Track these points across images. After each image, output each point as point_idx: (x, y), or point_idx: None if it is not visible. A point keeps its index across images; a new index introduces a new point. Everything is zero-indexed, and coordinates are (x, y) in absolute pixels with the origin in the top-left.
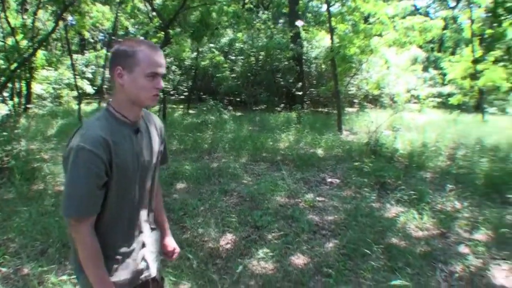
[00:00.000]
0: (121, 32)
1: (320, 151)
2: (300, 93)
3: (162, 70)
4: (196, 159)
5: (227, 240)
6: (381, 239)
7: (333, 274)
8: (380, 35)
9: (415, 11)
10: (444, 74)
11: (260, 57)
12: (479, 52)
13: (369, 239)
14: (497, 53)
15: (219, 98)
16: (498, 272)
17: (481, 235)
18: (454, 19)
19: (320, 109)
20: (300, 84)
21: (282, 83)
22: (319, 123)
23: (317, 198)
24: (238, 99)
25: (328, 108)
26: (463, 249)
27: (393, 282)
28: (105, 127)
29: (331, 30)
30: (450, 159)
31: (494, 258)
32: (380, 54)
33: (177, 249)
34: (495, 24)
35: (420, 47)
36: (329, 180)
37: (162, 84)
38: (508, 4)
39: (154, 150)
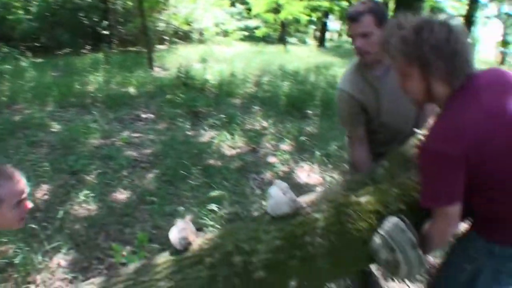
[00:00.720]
0: None
1: (132, 89)
2: (107, 32)
3: None
4: None
5: (43, 191)
6: (198, 162)
7: (156, 200)
8: None
9: None
10: (250, 9)
11: None
12: None
13: (187, 163)
14: None
15: (15, 44)
16: (301, 173)
17: (285, 146)
18: None
19: (129, 48)
20: (106, 22)
21: (86, 22)
22: (130, 62)
23: (133, 135)
24: (38, 44)
25: (138, 46)
26: (271, 159)
27: (211, 194)
28: None
29: None
30: (256, 85)
31: (297, 162)
32: None
33: None
34: None
35: None
36: (143, 116)
37: None
38: None
39: None
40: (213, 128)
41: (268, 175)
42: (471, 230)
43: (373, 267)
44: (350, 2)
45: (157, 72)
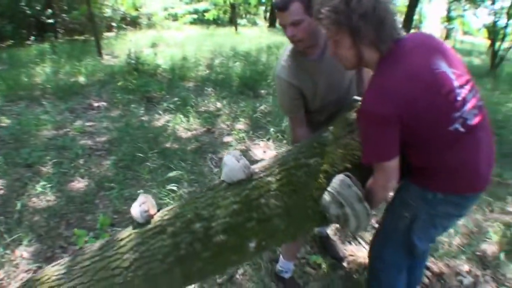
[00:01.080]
0: None
1: (82, 79)
2: (52, 21)
3: None
4: None
5: None
6: (154, 146)
7: (115, 186)
8: None
9: None
10: None
11: None
12: None
13: (143, 148)
14: None
15: None
16: (257, 150)
17: (241, 125)
18: None
19: (76, 37)
20: (50, 11)
21: (28, 12)
22: (77, 51)
23: (87, 124)
24: None
25: (85, 35)
26: (227, 139)
27: (169, 174)
28: None
29: None
30: (209, 68)
31: (253, 140)
32: None
33: None
34: None
35: None
36: (96, 104)
37: None
38: None
39: None
40: (168, 112)
41: (225, 154)
42: (406, 180)
43: (330, 232)
44: None
45: (107, 59)
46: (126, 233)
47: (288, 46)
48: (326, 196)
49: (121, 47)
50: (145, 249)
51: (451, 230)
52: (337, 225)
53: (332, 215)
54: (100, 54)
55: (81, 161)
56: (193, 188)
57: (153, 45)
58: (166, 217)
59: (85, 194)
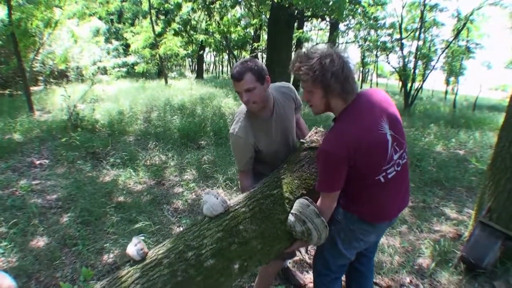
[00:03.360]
0: None
1: (17, 136)
2: None
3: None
4: None
5: None
6: (109, 200)
7: (78, 242)
8: (60, 7)
9: None
10: (127, 45)
11: None
12: (160, 25)
13: (99, 203)
14: (175, 25)
15: None
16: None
17: (189, 176)
18: None
19: (0, 92)
20: None
21: None
22: (6, 107)
23: (33, 182)
24: None
25: (11, 89)
26: (178, 189)
27: (135, 226)
28: None
29: (9, 0)
30: (147, 121)
31: (203, 189)
32: (66, 26)
33: None
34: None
35: (100, 18)
36: (38, 162)
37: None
38: None
39: None
40: (115, 167)
41: (179, 203)
42: (338, 206)
43: (289, 263)
44: (226, 37)
45: (39, 115)
46: (125, 271)
47: (241, 109)
48: (291, 217)
49: (52, 102)
50: (145, 281)
51: (391, 250)
52: (302, 240)
53: (297, 232)
54: (31, 109)
55: (37, 220)
56: (157, 237)
57: (87, 100)
58: (160, 252)
59: (49, 252)
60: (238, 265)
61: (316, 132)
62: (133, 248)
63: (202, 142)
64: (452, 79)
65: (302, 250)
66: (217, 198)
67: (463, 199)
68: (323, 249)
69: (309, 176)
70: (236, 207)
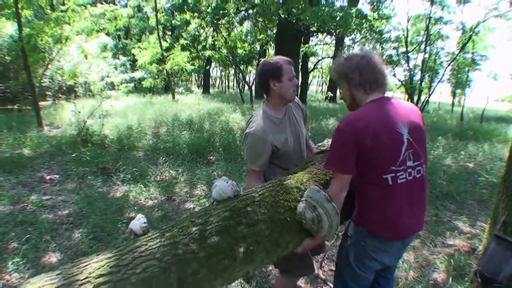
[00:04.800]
0: None
1: (27, 151)
2: None
3: None
4: None
5: None
6: (121, 216)
7: None
8: (69, 23)
9: None
10: (134, 60)
11: None
12: (168, 40)
13: (110, 219)
14: (183, 41)
15: None
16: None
17: (199, 191)
18: (139, 8)
19: (10, 106)
20: None
21: None
22: (16, 122)
23: (44, 197)
24: None
25: (20, 104)
26: (189, 205)
27: None
28: None
29: (19, 17)
30: (155, 136)
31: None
32: (75, 42)
33: None
34: (178, 15)
35: (108, 34)
36: (48, 177)
37: None
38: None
39: None
40: (126, 182)
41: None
42: (350, 221)
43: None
44: (233, 52)
45: (48, 130)
46: (124, 243)
47: (256, 112)
48: (301, 204)
49: (61, 117)
50: (144, 249)
51: (406, 265)
52: (314, 232)
53: (308, 219)
54: (40, 124)
55: (48, 236)
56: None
57: (96, 116)
58: (163, 227)
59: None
60: (243, 248)
61: (327, 142)
62: (136, 222)
63: (212, 157)
64: (458, 91)
65: (316, 265)
66: (227, 182)
67: (475, 213)
68: (340, 269)
69: (320, 171)
70: (246, 192)
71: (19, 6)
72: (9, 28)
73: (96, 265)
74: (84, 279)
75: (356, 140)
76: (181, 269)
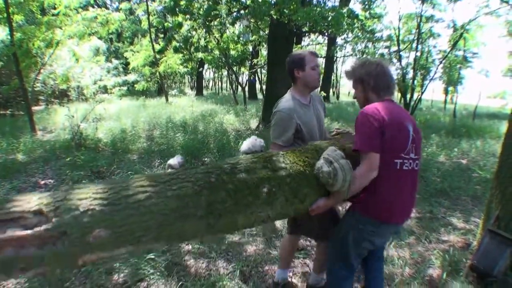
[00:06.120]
0: None
1: (21, 156)
2: None
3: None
4: None
5: None
6: None
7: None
8: (60, 27)
9: (93, 2)
10: (127, 63)
11: None
12: (161, 43)
13: None
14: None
15: None
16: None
17: None
18: (131, 10)
19: (2, 112)
20: None
21: None
22: (8, 127)
23: None
24: None
25: (12, 109)
26: None
27: None
28: None
29: (10, 22)
30: (150, 139)
31: None
32: (67, 46)
33: None
34: (170, 17)
35: (100, 38)
36: (43, 182)
37: None
38: (182, 3)
39: None
40: None
41: None
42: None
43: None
44: (225, 53)
45: (41, 135)
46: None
47: (285, 96)
48: (320, 160)
49: (54, 121)
50: (181, 173)
51: (401, 262)
52: (329, 186)
53: (324, 173)
54: (33, 129)
55: None
56: (167, 256)
57: (89, 119)
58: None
59: (59, 273)
60: (267, 189)
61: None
62: (175, 159)
63: (206, 159)
64: (450, 88)
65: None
66: (256, 140)
67: (469, 208)
68: (334, 249)
69: (338, 142)
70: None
71: (10, 10)
72: (0, 33)
73: (138, 181)
74: (126, 186)
75: (379, 122)
76: (211, 194)
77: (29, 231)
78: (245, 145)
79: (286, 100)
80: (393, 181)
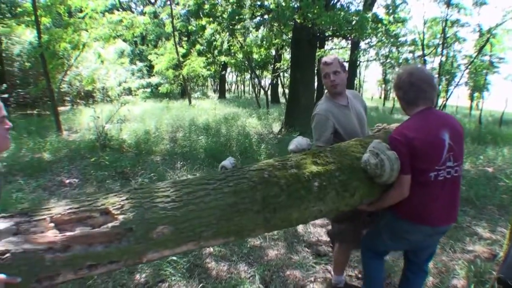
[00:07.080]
0: None
1: (47, 155)
2: (5, 95)
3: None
4: None
5: None
6: None
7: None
8: (86, 30)
9: (119, 6)
10: (150, 66)
11: None
12: (184, 46)
13: None
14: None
15: None
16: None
17: None
18: (155, 14)
19: (29, 112)
20: (4, 85)
21: None
22: (35, 126)
23: (63, 201)
24: None
25: (39, 109)
26: None
27: None
28: None
29: (38, 24)
30: (173, 141)
31: None
32: (92, 48)
33: None
34: (194, 20)
35: (125, 40)
36: (67, 181)
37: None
38: (206, 7)
39: None
40: None
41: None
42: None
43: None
44: (248, 57)
45: (67, 135)
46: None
47: (322, 99)
48: (366, 153)
49: (79, 121)
50: (236, 171)
51: None
52: (377, 178)
53: (372, 165)
54: (59, 129)
55: None
56: (189, 258)
57: (114, 121)
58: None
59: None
60: (318, 183)
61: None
62: (227, 160)
63: None
64: (476, 94)
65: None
66: (303, 139)
67: (495, 218)
68: (368, 237)
69: (381, 139)
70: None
71: (38, 13)
72: (28, 35)
73: (196, 179)
74: (186, 184)
75: (407, 146)
76: (265, 188)
77: (96, 229)
78: (293, 144)
79: (322, 103)
80: (427, 190)
